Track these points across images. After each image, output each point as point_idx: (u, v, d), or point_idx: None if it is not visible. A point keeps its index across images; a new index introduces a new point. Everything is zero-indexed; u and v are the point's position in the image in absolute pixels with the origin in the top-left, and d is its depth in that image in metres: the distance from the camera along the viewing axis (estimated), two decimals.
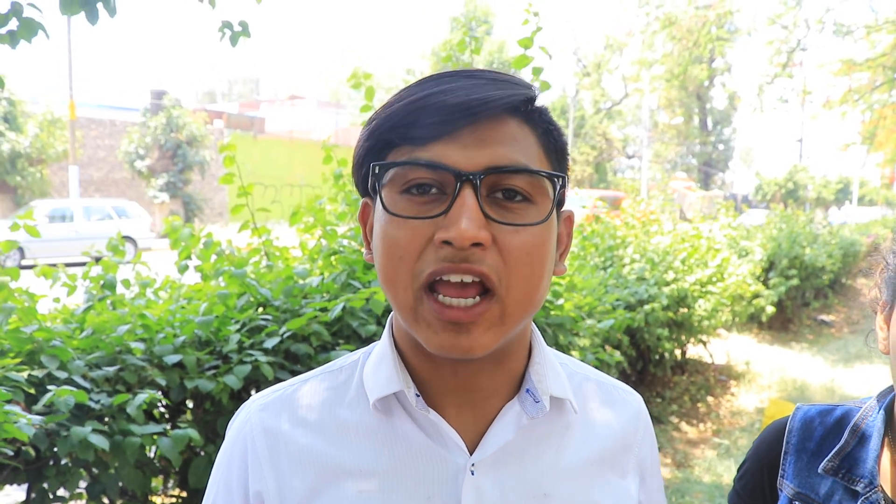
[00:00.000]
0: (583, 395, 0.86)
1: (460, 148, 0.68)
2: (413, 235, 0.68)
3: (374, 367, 0.79)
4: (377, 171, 0.71)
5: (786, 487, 1.07)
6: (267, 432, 0.79)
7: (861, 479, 1.00)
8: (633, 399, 0.92)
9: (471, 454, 0.76)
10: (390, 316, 0.82)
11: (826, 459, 1.03)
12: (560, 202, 0.74)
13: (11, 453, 1.70)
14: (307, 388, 0.82)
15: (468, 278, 0.67)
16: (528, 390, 0.78)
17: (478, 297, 0.68)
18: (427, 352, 0.74)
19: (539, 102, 0.74)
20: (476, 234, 0.65)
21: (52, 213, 16.58)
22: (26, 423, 1.63)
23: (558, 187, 0.73)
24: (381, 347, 0.80)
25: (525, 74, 2.94)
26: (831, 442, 1.05)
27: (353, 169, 0.78)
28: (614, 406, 0.88)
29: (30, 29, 2.62)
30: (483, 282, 0.68)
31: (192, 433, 1.93)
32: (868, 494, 0.98)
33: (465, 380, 0.76)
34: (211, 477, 0.84)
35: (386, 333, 0.81)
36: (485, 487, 0.75)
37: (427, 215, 0.68)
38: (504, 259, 0.68)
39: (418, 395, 0.76)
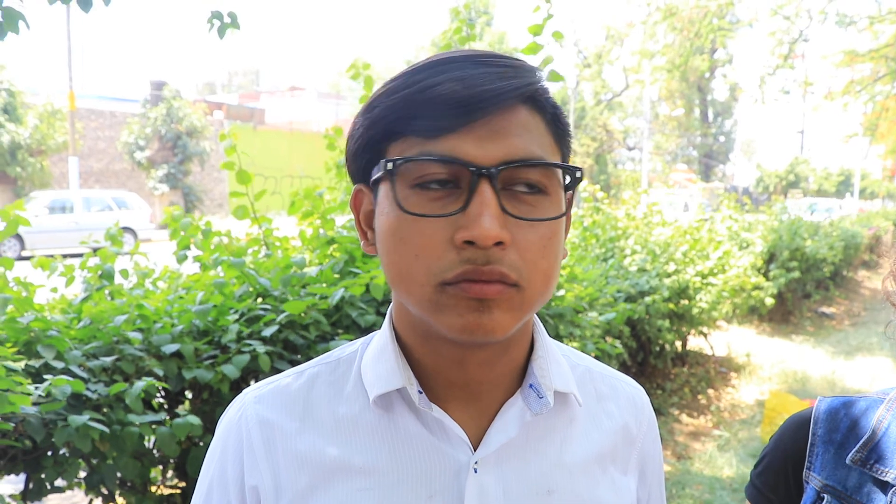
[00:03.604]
0: (585, 388, 0.84)
1: (475, 140, 0.65)
2: (430, 234, 0.66)
3: (374, 360, 0.76)
4: (390, 168, 0.67)
5: (813, 480, 1.03)
6: (263, 425, 0.76)
7: (891, 469, 0.95)
8: (636, 392, 0.89)
9: (473, 450, 0.74)
10: (390, 306, 0.79)
11: (854, 450, 0.99)
12: (572, 193, 0.72)
13: (12, 426, 1.70)
14: (304, 380, 0.80)
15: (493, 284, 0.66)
16: (531, 385, 0.76)
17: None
18: (433, 344, 0.72)
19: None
20: (499, 233, 0.63)
21: (52, 204, 16.58)
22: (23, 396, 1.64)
23: (572, 179, 0.71)
24: (381, 339, 0.77)
25: (533, 62, 2.91)
26: (858, 432, 1.01)
27: (348, 156, 0.75)
28: (618, 399, 0.86)
29: (11, 20, 2.57)
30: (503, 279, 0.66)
31: (193, 419, 1.92)
32: None
33: (471, 372, 0.73)
34: (203, 470, 0.81)
35: (386, 324, 0.78)
36: (488, 485, 0.73)
37: (443, 213, 0.66)
38: (522, 255, 0.66)
39: (421, 392, 0.73)
